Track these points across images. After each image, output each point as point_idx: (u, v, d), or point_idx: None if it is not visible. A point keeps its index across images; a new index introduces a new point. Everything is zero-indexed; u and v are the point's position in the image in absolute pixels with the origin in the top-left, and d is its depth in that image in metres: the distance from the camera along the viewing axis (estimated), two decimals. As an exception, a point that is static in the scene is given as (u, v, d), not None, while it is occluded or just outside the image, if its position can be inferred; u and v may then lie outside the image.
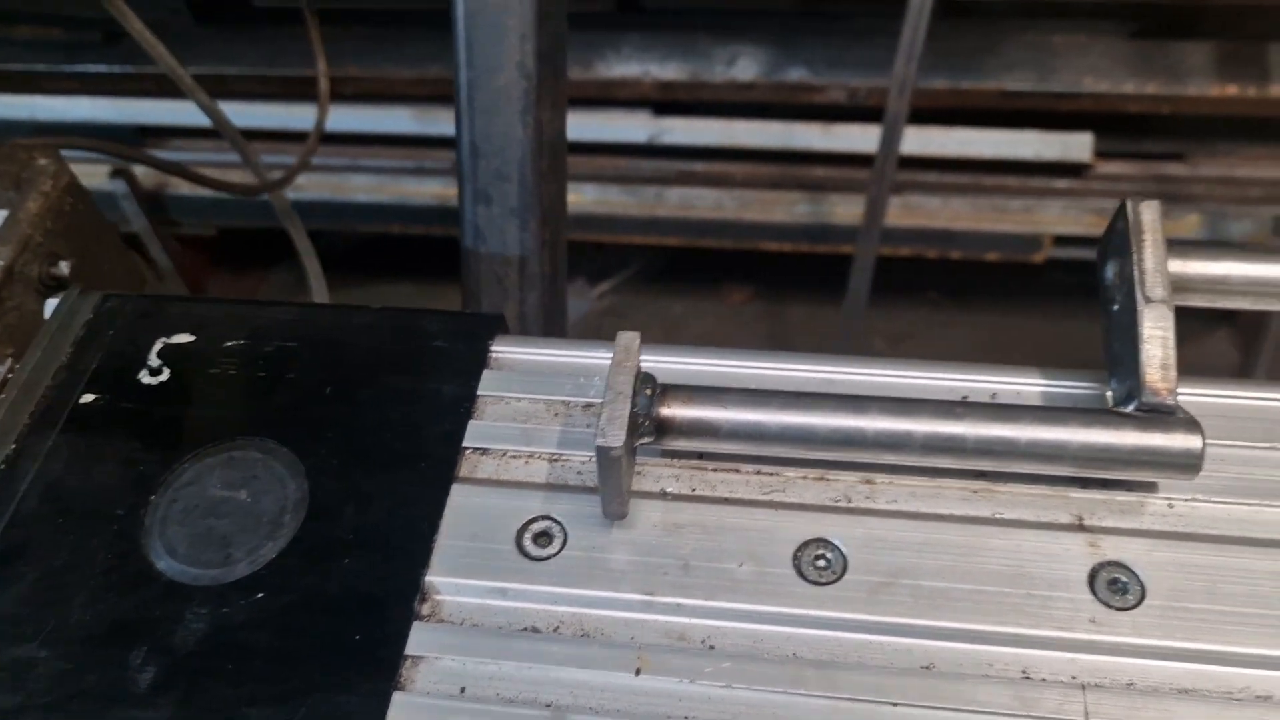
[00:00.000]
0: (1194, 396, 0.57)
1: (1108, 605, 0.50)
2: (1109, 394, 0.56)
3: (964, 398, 0.59)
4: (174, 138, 2.21)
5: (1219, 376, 0.59)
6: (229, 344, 0.62)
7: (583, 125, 2.13)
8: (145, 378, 0.61)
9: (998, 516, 0.54)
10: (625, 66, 2.09)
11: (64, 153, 0.86)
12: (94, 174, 2.05)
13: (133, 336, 0.63)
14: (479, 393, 0.60)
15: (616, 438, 0.48)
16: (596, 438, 0.48)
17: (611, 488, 0.51)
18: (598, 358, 0.61)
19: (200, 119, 1.28)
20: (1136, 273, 0.53)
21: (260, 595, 0.52)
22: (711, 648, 0.50)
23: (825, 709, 0.48)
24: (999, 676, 0.49)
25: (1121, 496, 0.54)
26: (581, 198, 2.10)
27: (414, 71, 2.11)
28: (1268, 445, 0.56)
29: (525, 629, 0.51)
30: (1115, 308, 0.56)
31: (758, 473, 0.56)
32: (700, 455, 0.56)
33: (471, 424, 0.58)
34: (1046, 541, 0.53)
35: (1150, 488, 0.54)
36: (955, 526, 0.53)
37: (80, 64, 2.19)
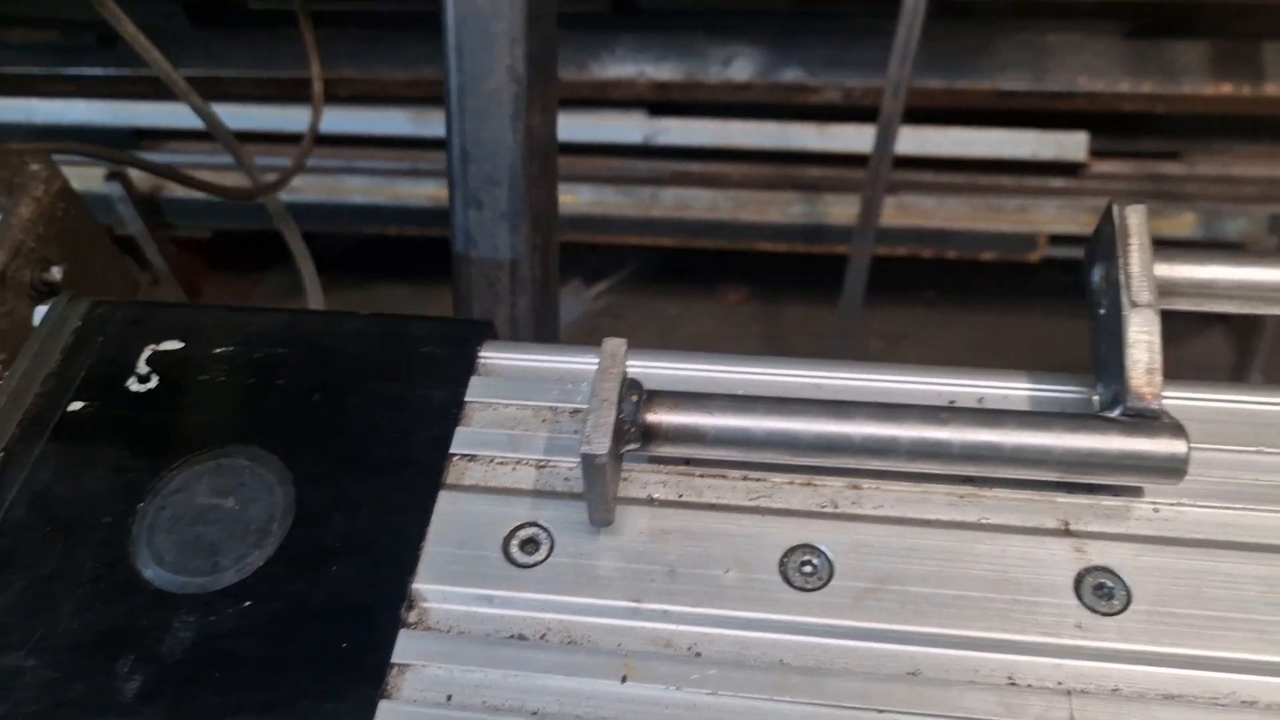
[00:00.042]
0: (1180, 400, 0.57)
1: (1093, 610, 0.51)
2: (1095, 398, 0.56)
3: (951, 402, 0.59)
4: (170, 140, 2.21)
5: (1206, 379, 0.59)
6: (218, 351, 0.62)
7: (578, 126, 2.14)
8: (134, 385, 0.61)
9: (984, 521, 0.54)
10: (620, 67, 2.09)
11: (58, 156, 0.86)
12: (89, 177, 2.05)
13: (122, 343, 0.63)
14: (466, 399, 0.60)
15: (601, 445, 0.48)
16: (581, 445, 0.48)
17: (597, 495, 0.51)
18: (586, 363, 0.61)
19: (196, 121, 1.28)
20: (1122, 277, 0.53)
21: (248, 603, 0.52)
22: (698, 654, 0.50)
23: (811, 716, 0.48)
24: (984, 682, 0.49)
25: (1108, 501, 0.54)
26: (576, 198, 2.10)
27: (409, 73, 2.11)
28: (1254, 449, 0.56)
29: (512, 636, 0.51)
30: (1102, 312, 0.56)
31: (745, 478, 0.56)
32: (687, 461, 0.56)
33: (459, 430, 0.58)
34: (1033, 546, 0.53)
35: (1136, 492, 0.54)
36: (942, 532, 0.54)
37: (76, 67, 2.19)
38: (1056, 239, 2.04)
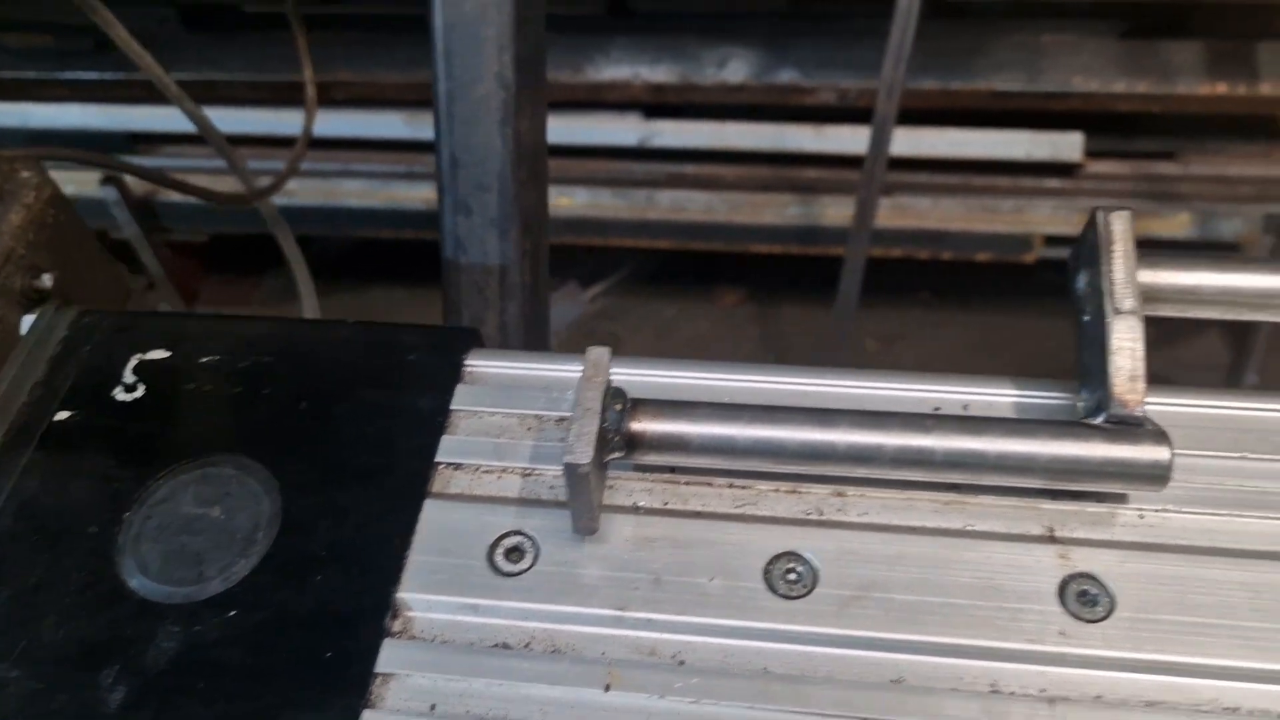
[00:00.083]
0: (1165, 406, 0.57)
1: (1077, 617, 0.51)
2: (1080, 404, 0.56)
3: (936, 409, 0.59)
4: (165, 144, 2.21)
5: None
6: (204, 360, 0.62)
7: (573, 128, 2.14)
8: (120, 394, 0.61)
9: (969, 528, 0.54)
10: (615, 69, 2.10)
11: (51, 161, 0.86)
12: (84, 181, 2.05)
13: (109, 353, 0.63)
14: (452, 407, 0.60)
15: (584, 455, 0.48)
16: (564, 455, 0.48)
17: (581, 504, 0.51)
18: (572, 371, 0.61)
19: (192, 125, 1.28)
20: (1106, 284, 0.53)
21: (233, 613, 0.52)
22: (681, 663, 0.50)
23: (794, 724, 0.48)
24: (968, 690, 0.49)
25: (1092, 508, 0.54)
26: (573, 201, 2.11)
27: (405, 76, 2.11)
28: (1238, 455, 0.56)
29: (496, 645, 0.51)
30: (1086, 318, 0.56)
31: (730, 486, 0.56)
32: (673, 469, 0.56)
33: (445, 439, 0.58)
34: (1017, 554, 0.53)
35: (1121, 498, 0.54)
36: (926, 539, 0.54)
37: (71, 71, 2.19)
38: (1052, 240, 2.04)
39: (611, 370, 0.58)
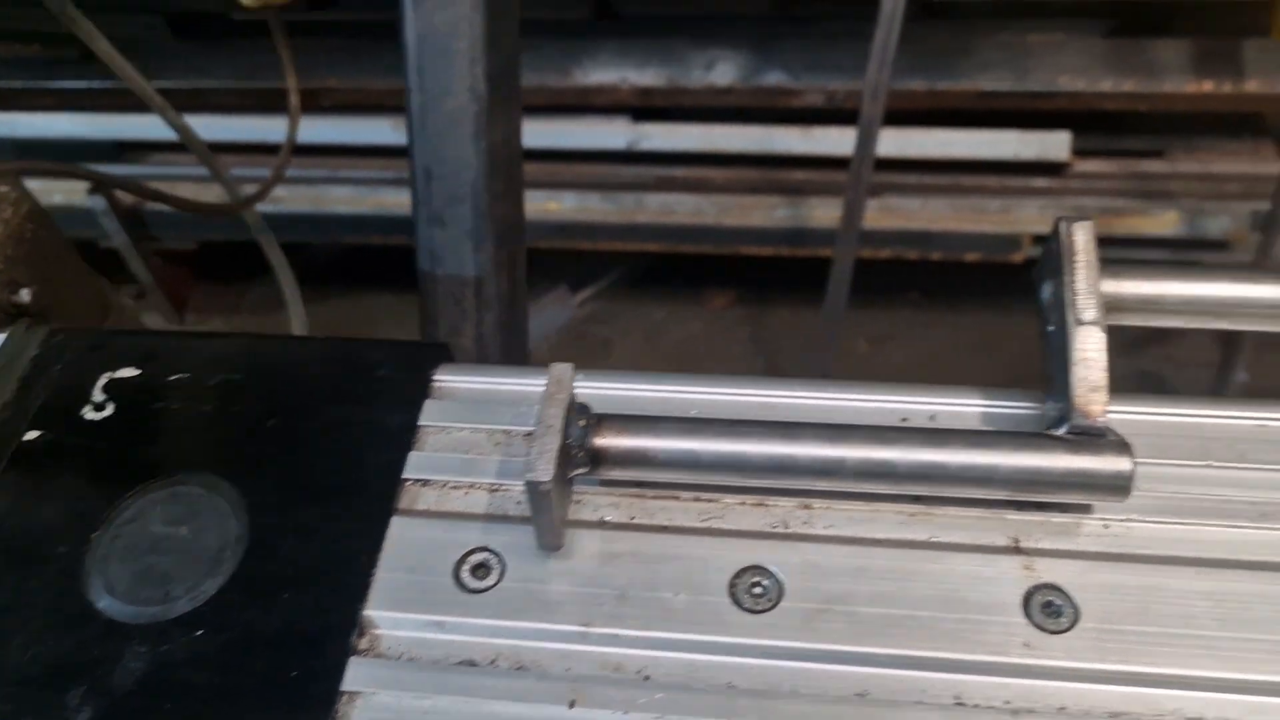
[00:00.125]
0: (1131, 415, 0.57)
1: (1041, 629, 0.51)
2: (1045, 415, 0.56)
3: (904, 420, 0.59)
4: (153, 152, 2.21)
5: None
6: (174, 377, 0.62)
7: (561, 132, 2.14)
8: (89, 413, 0.61)
9: (934, 540, 0.54)
10: (603, 73, 2.10)
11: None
12: (73, 190, 2.06)
13: (79, 371, 0.63)
14: (420, 423, 0.60)
15: (545, 472, 0.48)
16: (525, 473, 0.49)
17: (544, 521, 0.51)
18: (541, 385, 0.60)
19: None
20: (1068, 295, 0.53)
21: (199, 632, 0.52)
22: (647, 678, 0.50)
23: (758, 739, 0.48)
24: (932, 703, 0.49)
25: (1058, 518, 0.54)
26: (561, 205, 2.11)
27: (392, 82, 2.11)
28: (1203, 463, 0.56)
29: (462, 662, 0.51)
30: (1051, 329, 0.56)
31: (697, 499, 0.56)
32: (640, 483, 0.56)
33: (412, 455, 0.58)
34: (982, 565, 0.53)
35: (1086, 509, 0.54)
36: (892, 551, 0.54)
37: (58, 80, 2.19)
38: (1040, 239, 2.04)
39: (580, 384, 0.58)
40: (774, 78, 2.05)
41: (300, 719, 0.49)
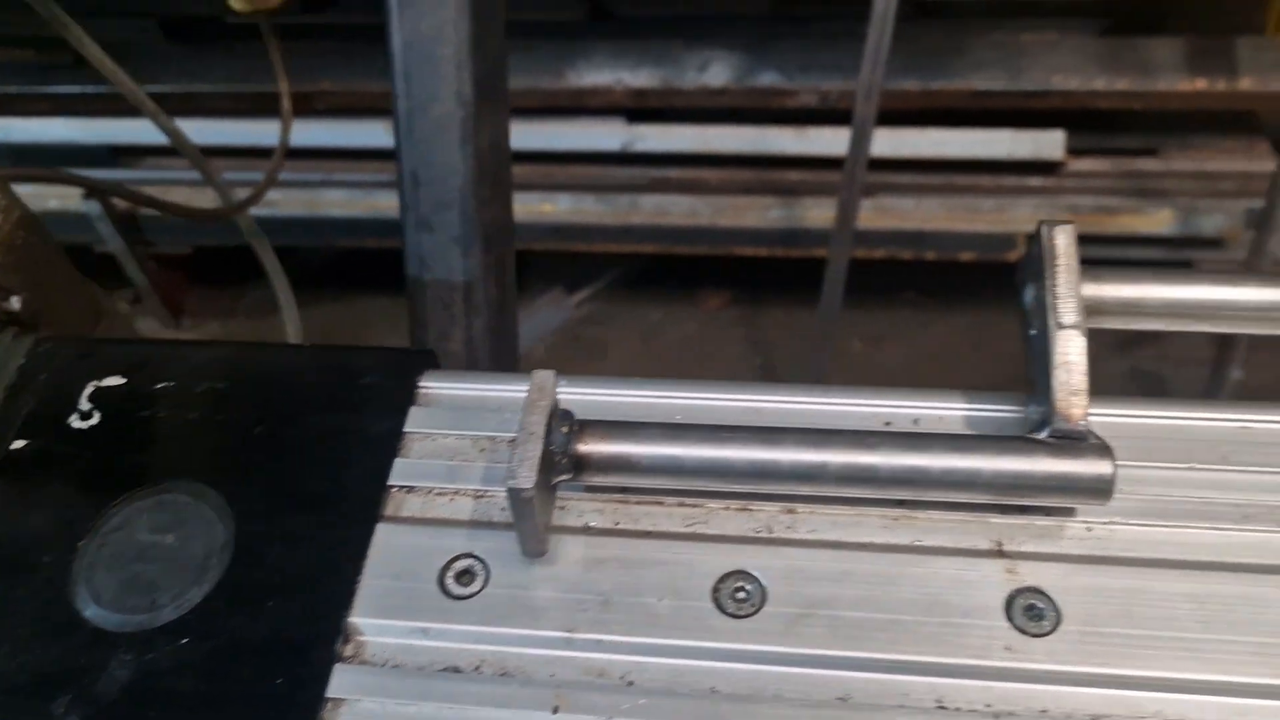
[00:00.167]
0: (1113, 418, 0.57)
1: (1023, 632, 0.51)
2: (1028, 418, 0.56)
3: (888, 424, 0.59)
4: (147, 156, 2.22)
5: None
6: (160, 386, 0.63)
7: (556, 134, 2.14)
8: (76, 422, 0.61)
9: (917, 544, 0.54)
10: (597, 75, 2.10)
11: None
12: (68, 195, 2.06)
13: (65, 380, 0.63)
14: (406, 430, 0.60)
15: (527, 479, 0.49)
16: (506, 480, 0.49)
17: (527, 528, 0.51)
18: (526, 392, 0.61)
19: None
20: (1049, 298, 0.53)
21: (185, 640, 0.52)
22: (630, 684, 0.50)
23: (740, 744, 0.48)
24: (914, 706, 0.49)
25: (1041, 521, 0.54)
26: (556, 207, 2.11)
27: (386, 85, 2.11)
28: (1186, 465, 0.56)
29: (446, 669, 0.51)
30: (1033, 332, 0.56)
31: (681, 505, 0.56)
32: (624, 489, 0.57)
33: (398, 462, 0.59)
34: (965, 568, 0.53)
35: (1068, 512, 0.54)
36: (875, 555, 0.54)
37: (52, 85, 2.19)
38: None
39: (564, 390, 0.59)
40: (768, 78, 2.06)
41: (285, 726, 0.49)
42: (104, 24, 2.01)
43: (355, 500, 0.57)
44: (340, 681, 0.51)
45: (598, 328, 2.27)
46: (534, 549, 0.53)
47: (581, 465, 0.53)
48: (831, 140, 2.04)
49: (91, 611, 0.54)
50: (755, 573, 0.53)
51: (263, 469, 0.59)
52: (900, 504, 0.55)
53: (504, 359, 0.88)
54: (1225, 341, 1.91)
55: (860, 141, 1.72)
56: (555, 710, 0.49)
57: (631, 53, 2.10)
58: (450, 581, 0.54)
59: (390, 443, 0.59)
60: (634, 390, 0.62)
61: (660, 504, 0.56)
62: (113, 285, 2.20)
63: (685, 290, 2.30)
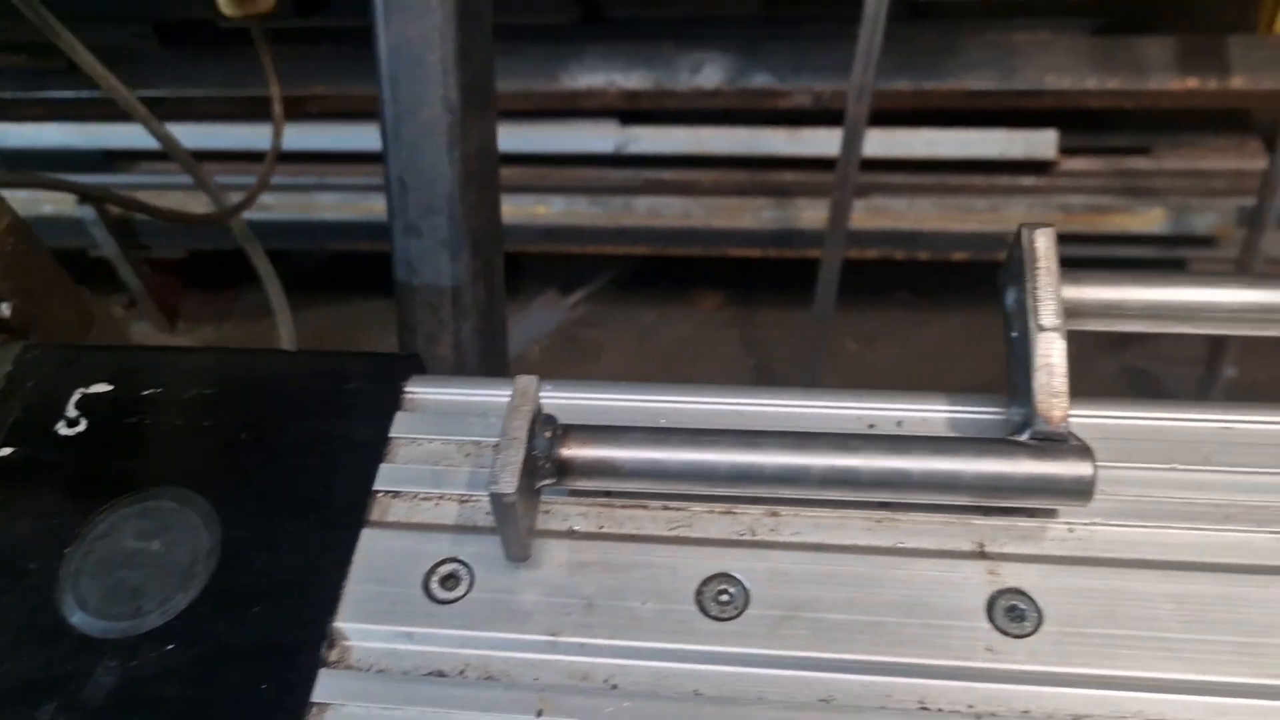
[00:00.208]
0: (1094, 419, 0.58)
1: (1005, 633, 0.51)
2: (1010, 420, 0.57)
3: (871, 426, 0.59)
4: (142, 161, 2.22)
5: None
6: (147, 392, 0.63)
7: (549, 137, 2.15)
8: (62, 429, 0.62)
9: (900, 546, 0.54)
10: (590, 77, 2.10)
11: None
12: (62, 200, 2.06)
13: (52, 387, 0.64)
14: (391, 435, 0.60)
15: (509, 484, 0.49)
16: (489, 485, 0.49)
17: (510, 533, 0.51)
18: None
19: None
20: (1029, 301, 0.54)
21: (170, 646, 0.53)
22: (614, 687, 0.51)
23: (723, 746, 0.48)
24: (896, 708, 0.49)
25: (1023, 523, 0.55)
26: (549, 209, 2.11)
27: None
28: (1167, 466, 0.56)
29: (431, 673, 0.52)
30: (1014, 335, 0.56)
31: (665, 508, 0.56)
32: (608, 493, 0.57)
33: (383, 467, 0.59)
34: (947, 570, 0.53)
35: (1050, 513, 0.55)
36: (857, 557, 0.54)
37: (47, 90, 2.19)
38: (1028, 237, 2.04)
39: (548, 395, 0.59)
40: (760, 79, 2.06)
41: (270, 732, 0.49)
42: (98, 29, 2.01)
43: (341, 506, 0.57)
44: (325, 686, 0.51)
45: (592, 329, 2.27)
46: (517, 553, 0.53)
47: (565, 469, 0.54)
48: (824, 141, 2.05)
49: (77, 618, 0.54)
50: (738, 575, 0.53)
51: (249, 475, 0.59)
52: (883, 506, 0.55)
53: (493, 362, 0.88)
54: (1218, 339, 1.91)
55: (853, 142, 1.73)
56: (539, 714, 0.50)
57: (624, 55, 2.11)
58: (435, 586, 0.54)
59: (376, 448, 0.59)
60: (618, 394, 0.62)
61: (644, 507, 0.57)
62: (108, 290, 2.20)
63: (680, 292, 2.30)
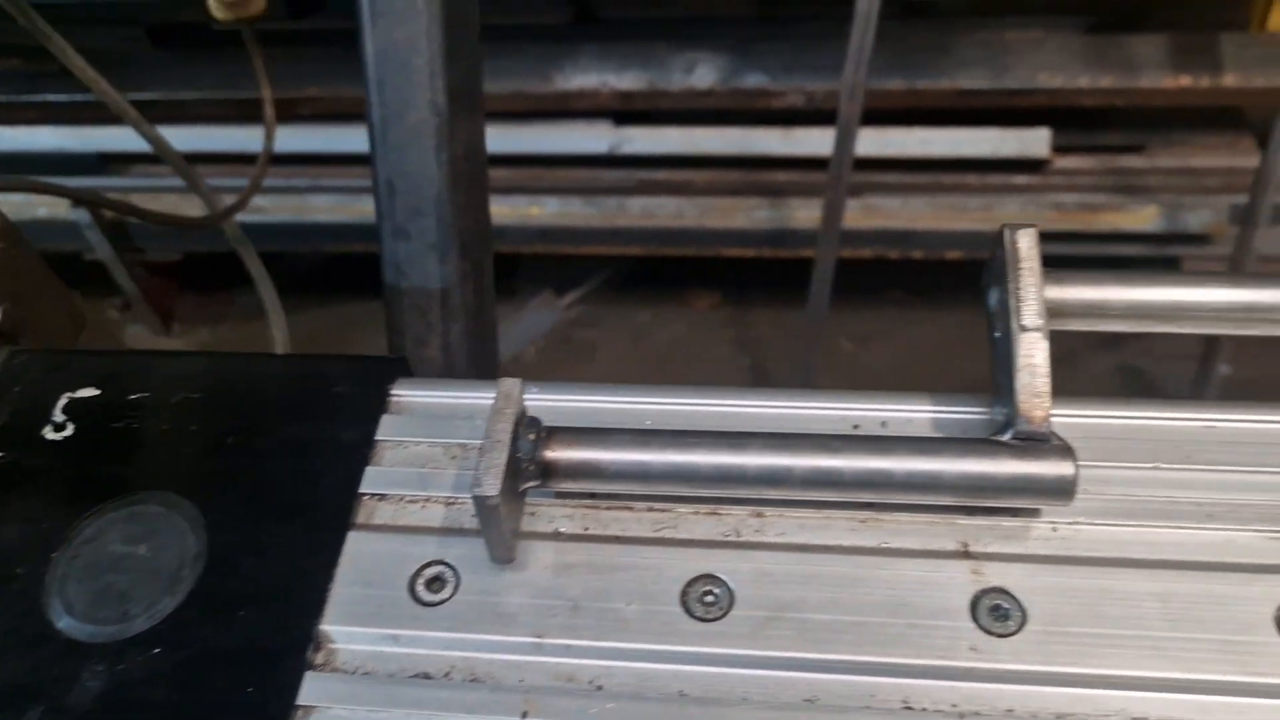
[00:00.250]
0: (1077, 419, 0.58)
1: (989, 632, 0.51)
2: (993, 421, 0.57)
3: (856, 427, 0.59)
4: (136, 164, 2.22)
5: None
6: (134, 397, 0.63)
7: (543, 137, 2.15)
8: (50, 433, 0.62)
9: (884, 546, 0.55)
10: (584, 77, 2.10)
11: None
12: (56, 203, 2.05)
13: (39, 392, 0.64)
14: (377, 438, 0.60)
15: (492, 487, 0.49)
16: (472, 487, 0.49)
17: (494, 535, 0.51)
18: (497, 398, 0.61)
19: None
20: (1012, 301, 0.54)
21: (157, 650, 0.53)
22: (599, 688, 0.51)
23: (707, 747, 0.48)
24: (880, 708, 0.50)
25: (1007, 522, 0.55)
26: (543, 210, 2.11)
27: (372, 90, 2.11)
28: (1151, 465, 0.56)
29: (416, 675, 0.52)
30: (997, 335, 0.56)
31: (650, 509, 0.57)
32: (593, 495, 0.57)
33: (369, 470, 0.59)
34: (931, 570, 0.53)
35: (1034, 513, 0.55)
36: (842, 557, 0.54)
37: (41, 94, 2.19)
38: (1021, 236, 2.04)
39: (533, 397, 0.59)
40: (753, 80, 2.06)
41: (255, 735, 0.49)
42: (91, 32, 2.01)
43: (327, 509, 0.57)
44: (311, 689, 0.51)
45: (587, 330, 2.27)
46: (501, 556, 0.53)
47: (549, 472, 0.54)
48: (817, 141, 2.05)
49: (64, 622, 0.54)
50: (723, 576, 0.54)
51: (235, 479, 0.59)
52: (867, 507, 0.56)
53: (483, 364, 0.88)
54: (1211, 337, 1.92)
55: (846, 141, 1.73)
56: (524, 715, 0.50)
57: (617, 55, 2.11)
58: (421, 588, 0.54)
59: (362, 451, 0.59)
60: (604, 396, 0.62)
61: (629, 509, 0.57)
62: (103, 293, 2.20)
63: (674, 292, 2.30)
